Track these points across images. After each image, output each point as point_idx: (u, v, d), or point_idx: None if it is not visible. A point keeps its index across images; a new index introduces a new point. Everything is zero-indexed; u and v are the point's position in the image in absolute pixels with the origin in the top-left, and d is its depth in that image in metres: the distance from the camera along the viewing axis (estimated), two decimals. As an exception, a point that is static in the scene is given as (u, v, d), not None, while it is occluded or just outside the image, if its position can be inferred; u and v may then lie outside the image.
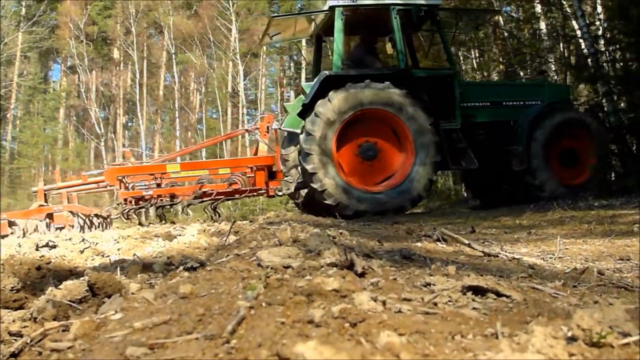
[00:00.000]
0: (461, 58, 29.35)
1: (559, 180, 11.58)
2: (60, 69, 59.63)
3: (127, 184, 11.07)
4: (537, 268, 3.38)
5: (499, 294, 1.68)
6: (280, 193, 11.60)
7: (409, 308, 1.42)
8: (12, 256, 4.28)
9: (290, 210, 11.34)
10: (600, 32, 16.12)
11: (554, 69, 18.80)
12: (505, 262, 3.55)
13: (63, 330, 1.85)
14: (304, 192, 11.99)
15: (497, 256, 3.77)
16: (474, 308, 1.54)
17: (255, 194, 11.53)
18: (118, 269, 3.52)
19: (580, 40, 16.20)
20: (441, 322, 1.36)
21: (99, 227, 11.32)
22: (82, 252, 4.93)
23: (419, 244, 4.28)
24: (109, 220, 11.89)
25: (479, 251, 3.95)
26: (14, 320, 2.19)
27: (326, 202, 10.43)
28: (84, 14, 52.72)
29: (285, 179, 11.57)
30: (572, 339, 1.19)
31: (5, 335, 1.99)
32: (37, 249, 5.12)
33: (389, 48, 11.84)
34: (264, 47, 54.81)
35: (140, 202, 11.04)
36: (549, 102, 12.12)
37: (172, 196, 11.21)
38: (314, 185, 10.47)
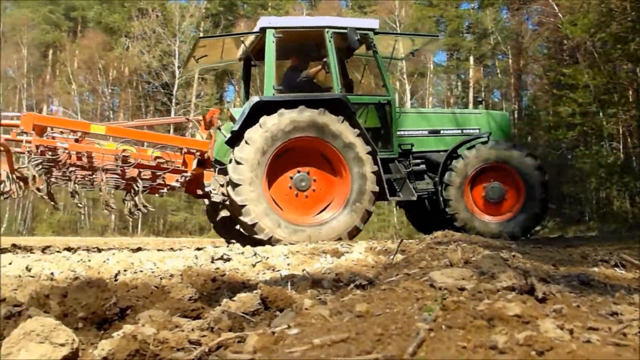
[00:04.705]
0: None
1: (476, 213, 11.03)
2: (235, 90, 62.30)
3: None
4: None
5: (696, 327, 1.54)
6: (207, 188, 10.36)
7: (597, 338, 1.34)
8: (189, 267, 4.49)
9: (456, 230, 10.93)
10: None
11: None
12: (696, 293, 3.28)
13: (238, 342, 1.90)
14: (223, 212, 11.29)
15: (686, 285, 3.50)
16: (668, 341, 1.42)
17: (180, 176, 10.12)
18: (288, 283, 3.59)
19: None
20: (634, 354, 1.27)
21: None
22: (254, 265, 5.09)
23: (595, 269, 4.06)
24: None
25: (665, 279, 3.68)
26: (192, 329, 2.27)
27: (257, 237, 9.58)
28: (257, 38, 54.85)
29: (216, 178, 10.39)
30: None
31: (185, 343, 2.06)
32: (212, 262, 5.34)
33: (320, 72, 11.23)
34: (430, 67, 54.75)
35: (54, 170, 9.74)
36: (485, 131, 11.56)
37: (90, 164, 9.79)
38: (244, 219, 9.61)
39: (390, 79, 11.98)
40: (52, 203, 10.38)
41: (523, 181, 11.12)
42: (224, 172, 10.20)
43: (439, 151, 11.34)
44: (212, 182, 10.15)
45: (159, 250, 9.33)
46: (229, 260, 5.48)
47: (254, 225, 9.52)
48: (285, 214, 9.91)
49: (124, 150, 9.66)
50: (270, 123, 9.72)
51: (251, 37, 11.11)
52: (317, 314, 1.71)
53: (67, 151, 9.45)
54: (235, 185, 9.58)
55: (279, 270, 4.77)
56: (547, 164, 37.92)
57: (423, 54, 52.67)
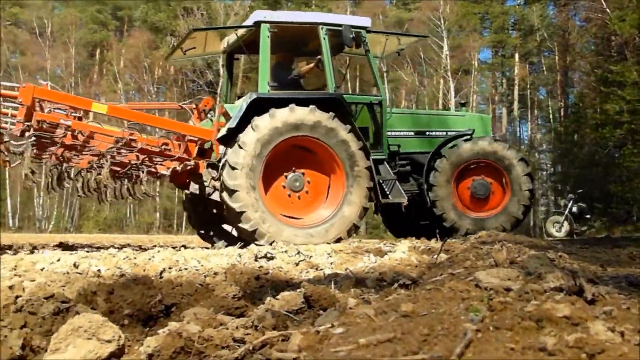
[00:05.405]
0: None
1: (463, 211, 11.04)
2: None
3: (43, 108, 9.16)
4: None
5: None
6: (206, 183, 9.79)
7: (650, 341, 1.31)
8: (233, 265, 4.51)
9: (501, 230, 10.80)
10: None
11: None
12: None
13: (282, 340, 1.90)
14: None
15: None
16: None
17: (183, 164, 9.49)
18: (332, 282, 3.58)
19: None
20: (687, 358, 1.23)
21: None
22: (297, 264, 5.10)
23: (644, 270, 3.99)
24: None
25: None
26: (237, 327, 2.28)
27: (258, 243, 9.06)
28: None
29: (208, 171, 9.82)
30: None
31: (229, 341, 2.07)
32: (255, 260, 5.36)
33: (301, 67, 10.96)
34: (475, 64, 54.30)
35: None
36: (464, 131, 11.44)
37: (84, 145, 9.17)
38: (244, 226, 9.20)
39: (380, 78, 11.75)
40: (29, 181, 9.17)
41: (508, 174, 11.14)
42: (212, 166, 9.89)
43: (424, 152, 11.28)
44: (204, 174, 9.77)
45: (203, 248, 9.42)
46: (272, 258, 5.51)
47: (254, 231, 9.25)
48: (305, 221, 9.79)
49: (131, 134, 9.18)
50: (263, 123, 9.41)
51: (240, 30, 10.77)
52: (362, 313, 1.70)
53: (67, 130, 8.90)
54: (232, 192, 9.22)
55: (322, 269, 4.77)
56: (594, 162, 37.50)
57: (468, 52, 52.37)
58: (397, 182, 10.51)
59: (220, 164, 9.50)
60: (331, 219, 9.68)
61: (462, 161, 11.07)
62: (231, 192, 9.17)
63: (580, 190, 24.50)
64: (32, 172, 8.72)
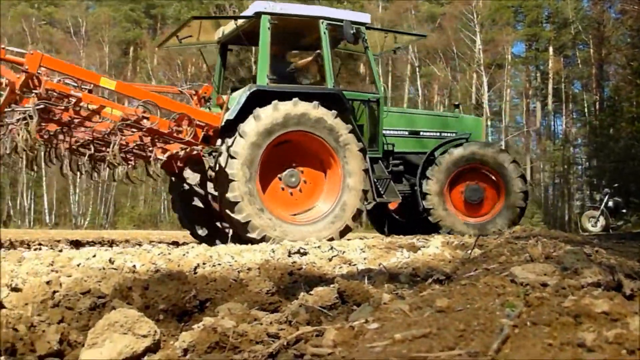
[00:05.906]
0: None
1: (457, 216, 11.02)
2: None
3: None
4: None
5: None
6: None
7: (691, 338, 1.28)
8: (267, 261, 4.53)
9: (535, 225, 10.72)
10: None
11: None
12: None
13: (317, 335, 1.90)
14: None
15: None
16: None
17: (189, 149, 8.97)
18: (365, 277, 3.58)
19: None
20: None
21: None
22: (330, 259, 5.10)
23: (683, 266, 3.92)
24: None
25: None
26: (271, 323, 2.29)
27: (249, 235, 9.11)
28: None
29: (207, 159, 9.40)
30: None
31: (264, 337, 2.08)
32: (289, 255, 5.37)
33: (297, 60, 10.88)
34: (508, 58, 53.79)
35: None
36: (460, 135, 11.50)
37: (83, 121, 8.79)
38: (236, 216, 9.10)
39: (380, 76, 11.72)
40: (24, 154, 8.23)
41: (501, 177, 11.16)
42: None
43: (417, 153, 11.29)
44: (205, 161, 9.40)
45: (236, 243, 9.45)
46: (305, 254, 5.52)
47: (246, 223, 9.17)
48: (318, 208, 9.80)
49: (144, 111, 8.65)
50: (266, 115, 9.32)
51: (240, 21, 10.58)
52: (397, 308, 1.69)
53: (75, 103, 8.34)
54: (229, 181, 9.12)
55: (355, 265, 4.77)
56: (630, 156, 36.98)
57: (501, 45, 51.95)
58: (391, 182, 10.52)
59: (216, 154, 9.33)
60: (340, 197, 9.64)
61: (455, 167, 11.08)
62: (229, 182, 9.11)
63: (616, 185, 24.21)
64: (32, 149, 7.97)
